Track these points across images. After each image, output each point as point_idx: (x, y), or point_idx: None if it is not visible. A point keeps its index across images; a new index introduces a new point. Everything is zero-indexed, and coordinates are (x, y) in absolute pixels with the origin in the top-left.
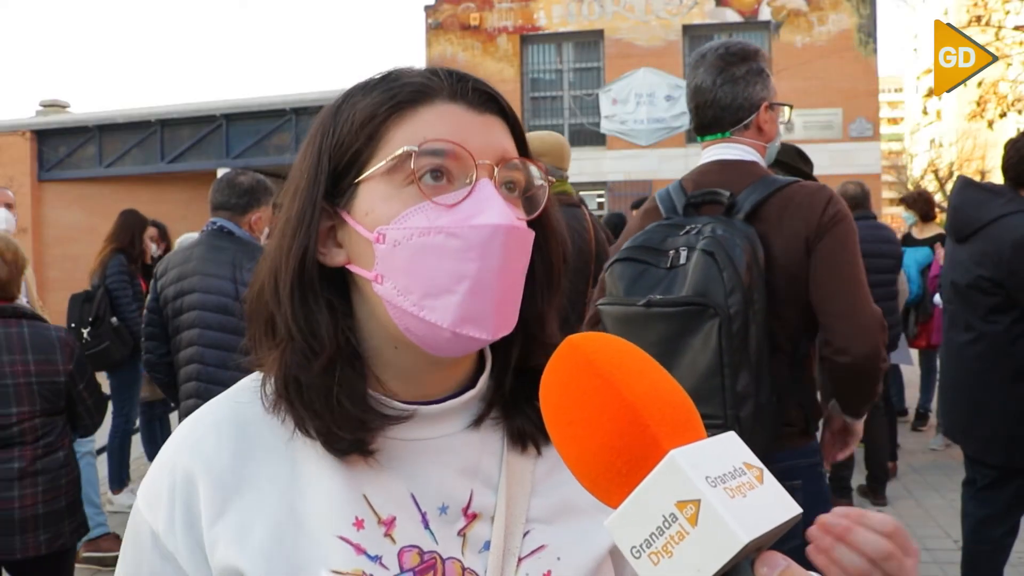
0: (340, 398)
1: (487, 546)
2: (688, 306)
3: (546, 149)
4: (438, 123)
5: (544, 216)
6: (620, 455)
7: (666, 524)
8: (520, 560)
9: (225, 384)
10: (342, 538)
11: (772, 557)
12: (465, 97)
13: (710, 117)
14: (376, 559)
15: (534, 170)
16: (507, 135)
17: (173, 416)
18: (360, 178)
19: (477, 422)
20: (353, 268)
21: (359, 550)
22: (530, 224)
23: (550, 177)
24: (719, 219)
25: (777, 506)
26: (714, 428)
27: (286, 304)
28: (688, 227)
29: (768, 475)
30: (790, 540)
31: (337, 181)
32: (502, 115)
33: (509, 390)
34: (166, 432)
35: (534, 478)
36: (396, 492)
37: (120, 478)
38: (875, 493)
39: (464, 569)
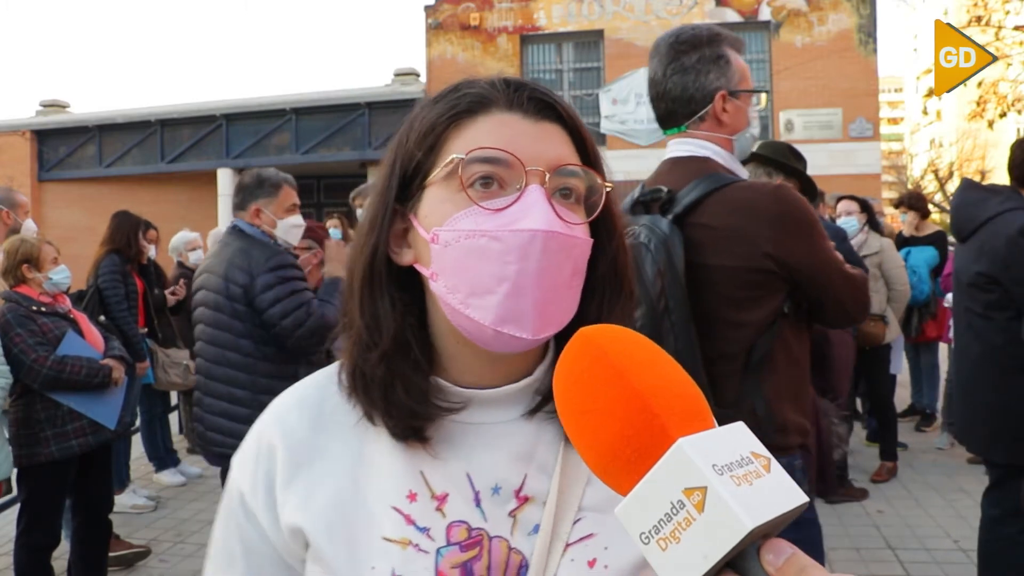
0: (396, 389)
1: (536, 529)
2: None
3: None
4: (493, 132)
5: (606, 221)
6: (630, 443)
7: (674, 510)
8: (568, 546)
9: (217, 380)
10: (395, 508)
11: (778, 544)
12: (521, 106)
13: (664, 110)
14: (424, 530)
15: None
16: (565, 142)
17: (173, 416)
18: (424, 183)
19: (532, 412)
20: (417, 267)
21: (409, 520)
22: (594, 229)
23: None
24: (651, 219)
25: (783, 494)
26: None
27: (355, 298)
28: (629, 229)
29: (776, 464)
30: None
31: (407, 186)
32: (560, 122)
33: None
34: (166, 432)
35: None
36: (453, 471)
37: (120, 478)
38: (820, 493)
39: (510, 548)
